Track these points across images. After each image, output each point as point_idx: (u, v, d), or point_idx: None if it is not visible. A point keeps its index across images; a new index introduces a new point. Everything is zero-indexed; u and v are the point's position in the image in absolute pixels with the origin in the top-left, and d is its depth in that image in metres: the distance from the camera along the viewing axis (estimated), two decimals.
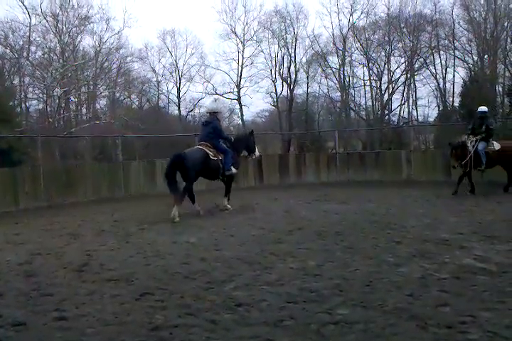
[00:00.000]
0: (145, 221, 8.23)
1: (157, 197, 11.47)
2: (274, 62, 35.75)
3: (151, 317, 3.60)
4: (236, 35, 35.78)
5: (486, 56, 32.28)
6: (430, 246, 5.58)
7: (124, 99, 35.29)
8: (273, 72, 35.79)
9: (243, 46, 35.89)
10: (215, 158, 8.89)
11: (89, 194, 11.93)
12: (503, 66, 32.62)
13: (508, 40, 32.16)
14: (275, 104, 36.41)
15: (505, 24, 31.76)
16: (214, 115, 9.35)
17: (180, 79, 36.49)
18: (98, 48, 30.57)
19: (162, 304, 3.91)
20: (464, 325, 3.26)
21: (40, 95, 28.02)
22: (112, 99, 32.98)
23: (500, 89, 32.35)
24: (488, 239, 5.76)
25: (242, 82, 35.98)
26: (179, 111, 36.73)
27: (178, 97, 36.55)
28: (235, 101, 36.32)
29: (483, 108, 10.52)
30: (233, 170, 9.10)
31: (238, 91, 35.91)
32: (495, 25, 31.43)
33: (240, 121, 37.60)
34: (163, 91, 36.84)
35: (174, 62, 36.44)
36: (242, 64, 35.92)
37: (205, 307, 3.82)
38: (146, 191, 12.65)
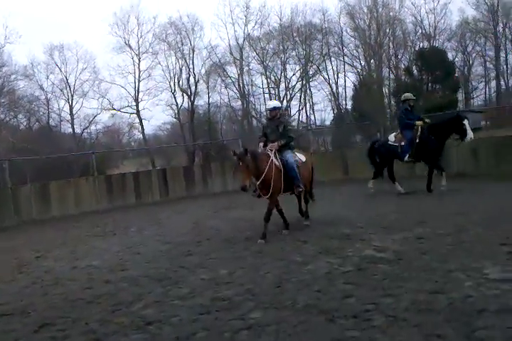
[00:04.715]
0: (40, 248, 7.62)
1: (52, 222, 10.72)
2: (172, 74, 35.48)
3: None
4: (130, 48, 34.97)
5: (372, 61, 34.93)
6: (334, 241, 5.82)
7: (10, 119, 32.64)
8: (172, 84, 35.49)
9: (139, 59, 35.17)
10: (396, 144, 9.45)
11: None
12: (387, 69, 35.59)
13: (391, 45, 35.18)
14: (177, 116, 36.07)
15: (387, 30, 34.71)
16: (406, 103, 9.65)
17: (72, 95, 34.66)
18: None
19: (64, 333, 3.65)
20: (368, 313, 3.43)
21: None
22: None
23: (387, 90, 35.20)
24: (384, 230, 6.15)
25: (140, 96, 35.15)
26: (73, 129, 34.82)
27: (71, 115, 34.65)
28: (134, 115, 35.35)
29: (274, 103, 7.43)
30: (406, 157, 9.38)
31: (137, 105, 35.00)
32: (378, 31, 34.18)
33: (140, 136, 36.65)
34: (54, 109, 34.70)
35: (64, 78, 34.56)
36: (139, 77, 35.15)
37: (112, 330, 3.62)
38: (40, 216, 11.67)
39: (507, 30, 36.31)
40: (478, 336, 2.89)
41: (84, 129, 35.25)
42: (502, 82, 37.57)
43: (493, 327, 2.96)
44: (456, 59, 36.72)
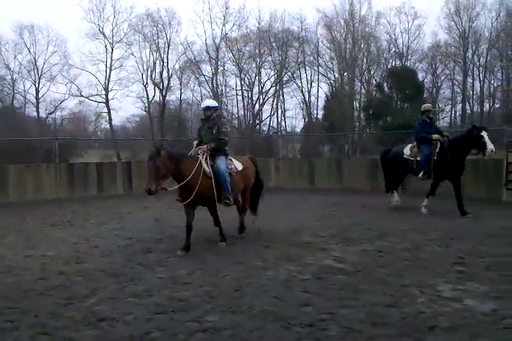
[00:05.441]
0: None
1: (9, 208, 10.31)
2: (145, 67, 35.04)
3: None
4: (104, 36, 34.32)
5: (345, 74, 35.60)
6: (295, 249, 5.87)
7: None
8: (144, 77, 35.03)
9: (112, 48, 34.56)
10: (411, 158, 8.77)
11: None
12: (359, 83, 36.39)
13: (364, 60, 36.01)
14: (147, 109, 35.58)
15: (362, 45, 35.52)
16: (425, 114, 8.87)
17: (39, 78, 33.63)
18: None
19: (13, 324, 3.55)
20: (323, 323, 3.48)
21: None
22: None
23: (357, 104, 35.97)
24: (345, 241, 6.26)
25: (110, 85, 34.51)
26: (38, 113, 33.78)
27: (37, 98, 33.60)
28: (103, 104, 34.63)
29: (208, 102, 6.58)
30: (420, 174, 8.58)
31: (106, 95, 34.33)
32: (353, 46, 34.92)
33: (107, 126, 35.93)
34: (19, 90, 33.58)
35: (33, 60, 33.52)
36: (111, 66, 34.52)
37: (62, 324, 3.54)
38: None
39: (476, 56, 37.84)
40: None
41: (49, 114, 34.31)
42: (467, 107, 39.09)
43: None
44: (426, 80, 37.93)
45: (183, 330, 3.40)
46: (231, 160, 6.42)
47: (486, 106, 38.72)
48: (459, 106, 40.01)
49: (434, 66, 38.63)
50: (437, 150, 8.38)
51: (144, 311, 3.80)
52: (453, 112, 40.76)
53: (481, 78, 38.17)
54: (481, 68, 37.95)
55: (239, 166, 6.46)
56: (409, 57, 37.38)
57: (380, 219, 8.07)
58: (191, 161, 5.89)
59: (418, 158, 8.57)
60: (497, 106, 38.77)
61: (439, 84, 39.63)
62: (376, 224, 7.53)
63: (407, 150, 8.92)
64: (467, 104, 38.88)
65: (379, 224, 7.46)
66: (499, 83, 38.01)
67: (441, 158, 8.30)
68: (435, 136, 8.44)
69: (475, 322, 3.42)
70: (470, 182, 10.56)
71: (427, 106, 9.08)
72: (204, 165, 5.91)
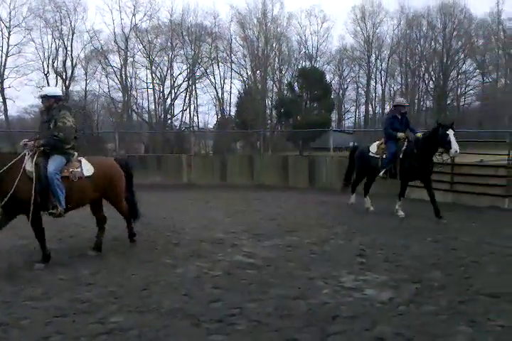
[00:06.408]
0: None
1: None
2: (47, 54, 32.81)
3: None
4: (0, 19, 31.53)
5: (258, 72, 36.23)
6: (206, 245, 5.84)
7: None
8: (45, 65, 32.80)
9: (9, 32, 31.87)
10: (377, 156, 8.23)
11: None
12: (271, 82, 37.24)
13: (276, 59, 36.92)
14: None
15: (274, 45, 36.37)
16: (396, 109, 8.22)
17: None
18: None
19: None
20: (233, 318, 3.50)
21: None
22: None
23: (269, 102, 36.80)
24: (256, 237, 6.34)
25: (6, 73, 31.84)
26: None
27: None
28: None
29: (47, 89, 5.61)
30: (381, 173, 8.10)
31: (1, 83, 31.59)
32: (266, 44, 35.64)
33: (2, 117, 33.12)
34: None
35: None
36: (7, 52, 31.84)
37: None
38: None
39: (378, 61, 40.53)
40: None
41: None
42: (370, 108, 41.75)
43: (345, 332, 3.22)
44: (333, 81, 39.92)
45: (86, 333, 3.23)
46: (80, 162, 5.32)
47: (387, 108, 41.69)
48: (362, 108, 42.67)
49: (341, 68, 40.73)
50: (404, 147, 7.90)
51: (43, 315, 3.56)
52: (357, 113, 43.39)
53: (383, 82, 41.00)
54: (383, 72, 40.73)
55: (88, 171, 5.29)
56: (318, 59, 39.04)
57: (291, 215, 8.27)
58: (5, 157, 4.90)
59: (384, 156, 8.11)
60: None
61: (345, 86, 41.94)
62: (287, 220, 7.71)
63: (373, 148, 8.40)
64: (370, 105, 41.55)
65: (289, 220, 7.64)
66: (399, 87, 41.09)
67: (407, 157, 7.82)
68: (400, 135, 7.95)
69: (374, 310, 3.64)
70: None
71: (398, 100, 8.69)
72: (27, 163, 4.89)
